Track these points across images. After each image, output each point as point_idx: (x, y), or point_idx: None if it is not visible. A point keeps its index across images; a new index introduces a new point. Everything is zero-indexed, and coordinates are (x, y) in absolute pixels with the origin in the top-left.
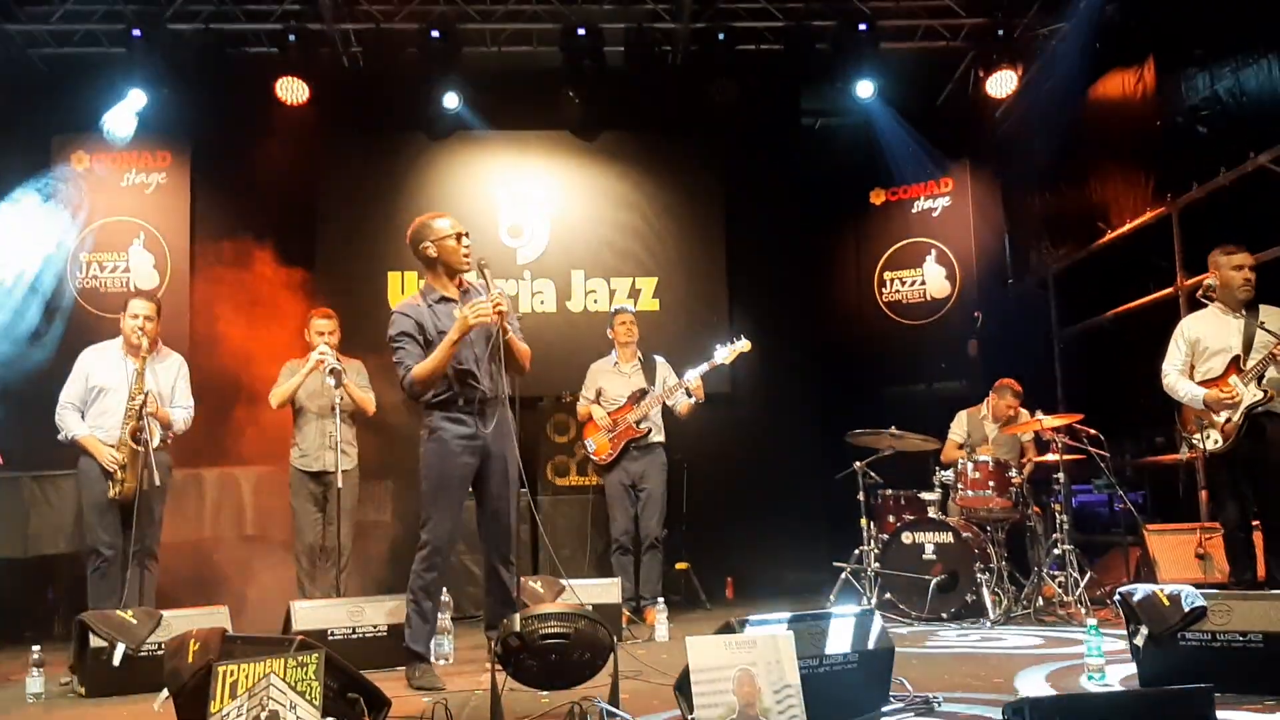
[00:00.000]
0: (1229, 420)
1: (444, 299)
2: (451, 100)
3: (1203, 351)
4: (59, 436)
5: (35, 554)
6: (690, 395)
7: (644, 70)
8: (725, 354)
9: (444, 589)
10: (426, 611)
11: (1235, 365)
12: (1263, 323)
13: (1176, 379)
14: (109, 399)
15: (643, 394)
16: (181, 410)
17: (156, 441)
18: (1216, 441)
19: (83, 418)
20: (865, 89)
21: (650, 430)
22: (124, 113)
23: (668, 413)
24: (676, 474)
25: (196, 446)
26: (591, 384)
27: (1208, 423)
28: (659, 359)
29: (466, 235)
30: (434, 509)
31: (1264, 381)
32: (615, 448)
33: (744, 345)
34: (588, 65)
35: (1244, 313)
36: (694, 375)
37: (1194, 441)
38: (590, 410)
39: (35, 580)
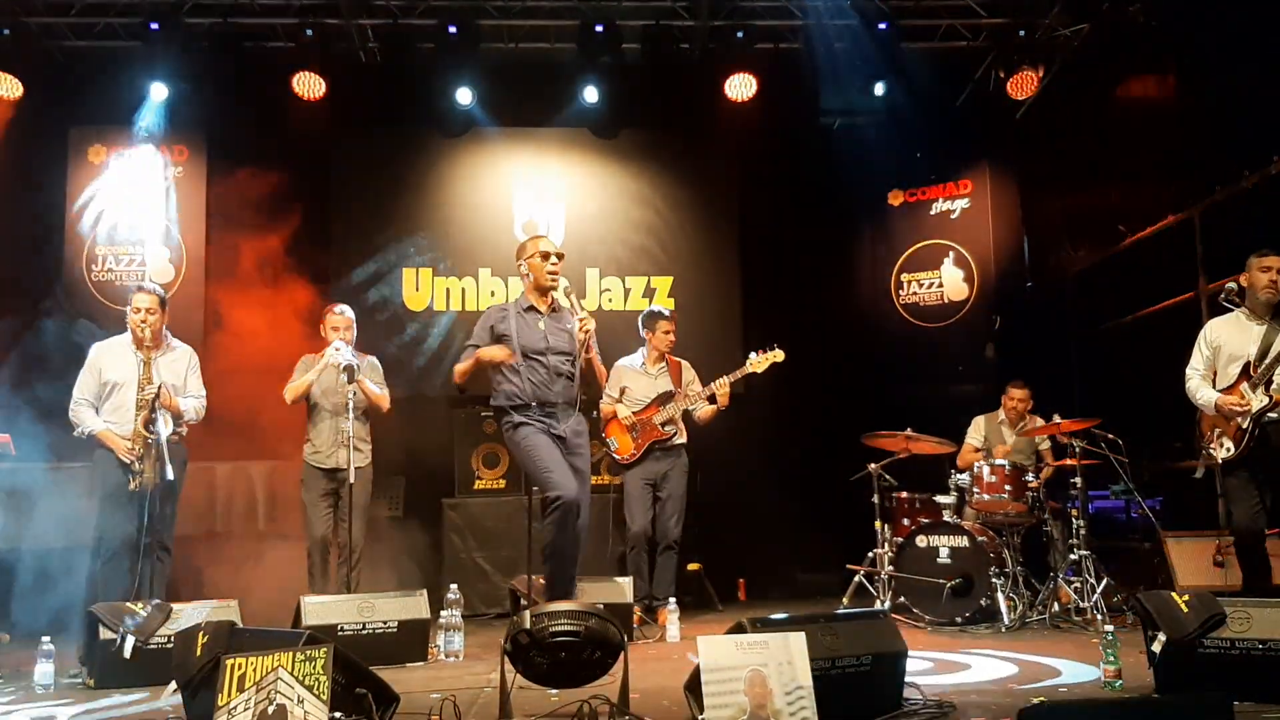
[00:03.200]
0: (1240, 429)
1: (531, 308)
2: (468, 96)
3: (1223, 357)
4: (75, 433)
5: (47, 545)
6: (714, 401)
7: (662, 67)
8: (757, 361)
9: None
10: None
11: (1246, 372)
12: None
13: (1197, 384)
14: (122, 393)
15: (668, 396)
16: (193, 400)
17: (169, 433)
18: (1229, 450)
19: (97, 412)
20: (873, 91)
21: (675, 433)
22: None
23: (688, 415)
24: (690, 474)
25: (210, 440)
26: (616, 382)
27: (1221, 430)
28: (684, 363)
29: (557, 255)
30: (547, 466)
31: (1272, 387)
32: (639, 449)
33: (777, 355)
34: (605, 62)
35: (1268, 320)
36: (724, 381)
37: (1209, 451)
38: (615, 409)
39: (46, 571)
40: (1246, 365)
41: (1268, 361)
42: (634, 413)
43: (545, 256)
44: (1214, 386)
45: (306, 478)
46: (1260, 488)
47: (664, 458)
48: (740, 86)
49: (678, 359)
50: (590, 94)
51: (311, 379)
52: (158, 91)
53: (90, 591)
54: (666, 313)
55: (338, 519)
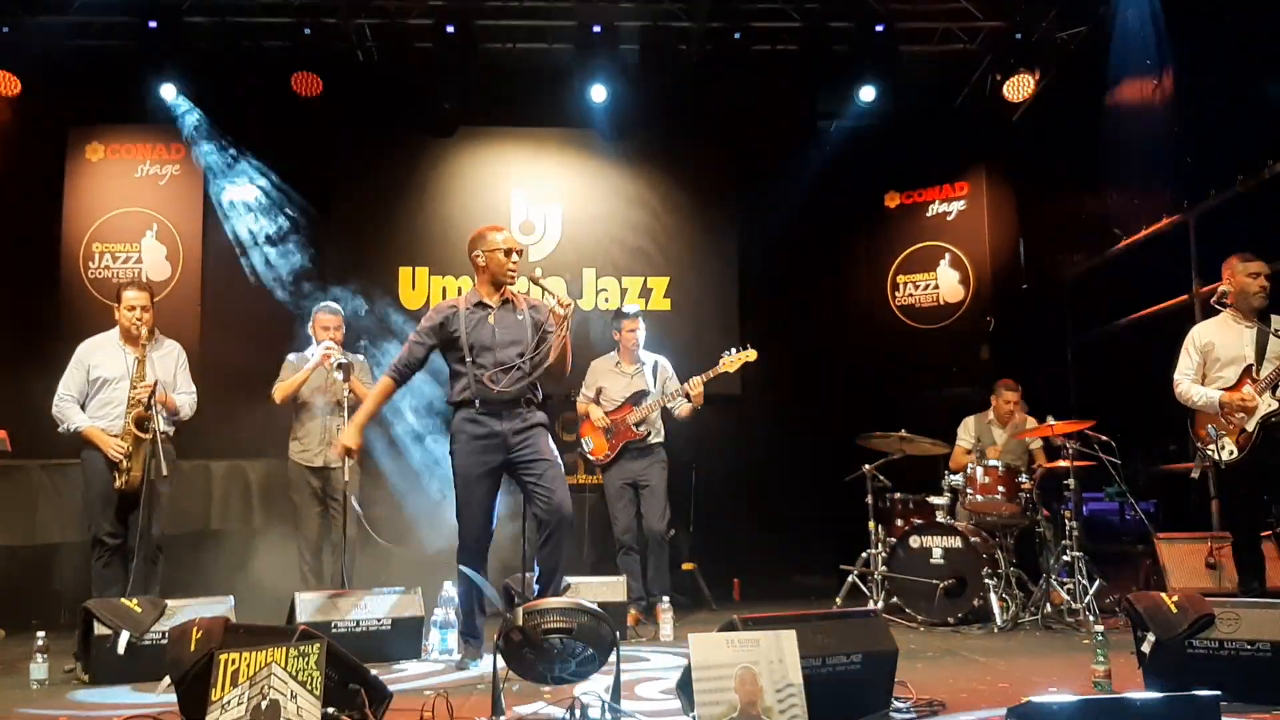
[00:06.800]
0: (1244, 431)
1: (481, 304)
2: (464, 96)
3: (1215, 360)
4: (60, 429)
5: (42, 542)
6: (690, 399)
7: (659, 69)
8: (729, 361)
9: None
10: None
11: (1249, 375)
12: (1276, 330)
13: (1189, 386)
14: (111, 390)
15: (641, 396)
16: (185, 397)
17: (162, 430)
18: (1231, 452)
19: (82, 409)
20: (868, 94)
21: (649, 434)
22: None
23: (668, 413)
24: (685, 475)
25: (205, 438)
26: (592, 382)
27: (1222, 432)
28: (661, 360)
29: (518, 252)
30: (460, 507)
31: (1278, 391)
32: (613, 449)
33: (749, 354)
34: (603, 63)
35: (1256, 322)
36: (696, 381)
37: (1208, 453)
38: (589, 409)
39: (42, 568)
40: (1247, 369)
41: (1274, 366)
42: (606, 413)
43: (508, 253)
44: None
45: (294, 477)
46: (1260, 490)
47: (640, 457)
48: (738, 88)
49: (656, 357)
50: (588, 95)
51: (302, 378)
52: (172, 97)
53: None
54: (631, 311)
55: (329, 517)
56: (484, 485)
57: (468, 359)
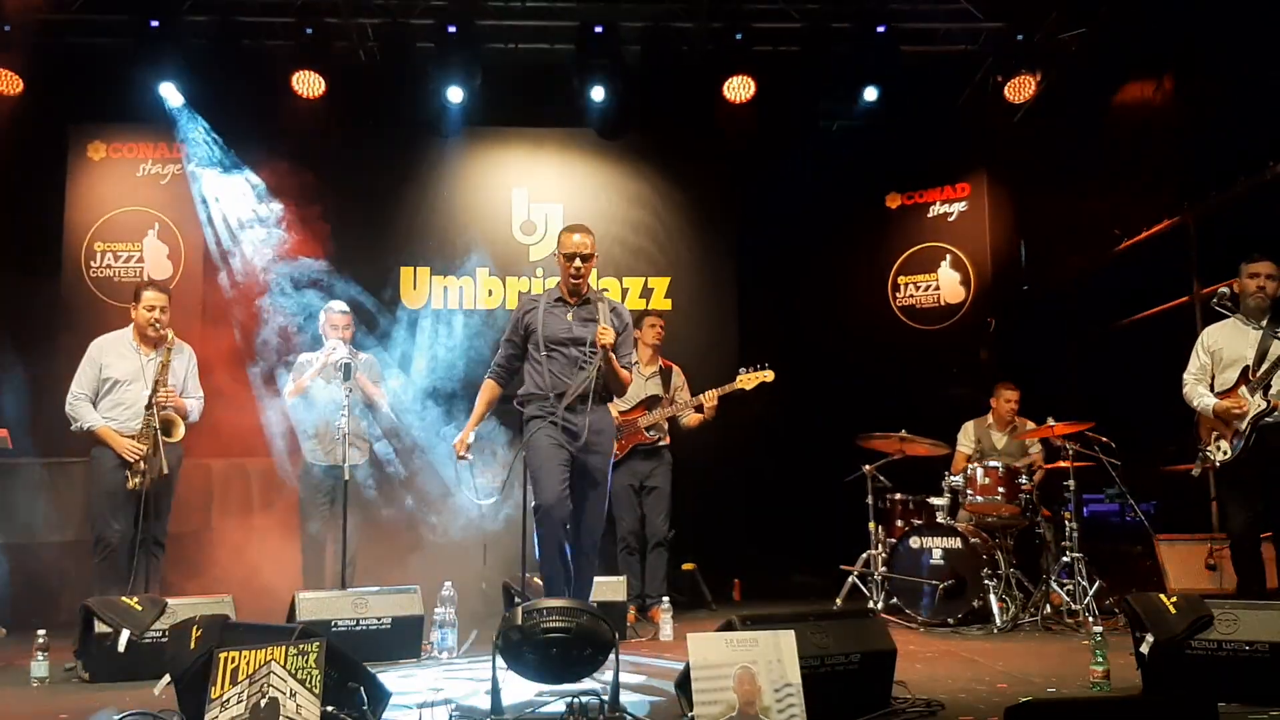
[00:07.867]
0: (1236, 432)
1: (559, 300)
2: (466, 96)
3: (1220, 362)
4: (73, 427)
5: (43, 540)
6: (701, 410)
7: (660, 69)
8: (745, 378)
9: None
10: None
11: (1245, 376)
12: (1278, 333)
13: (1192, 388)
14: (124, 391)
15: (655, 401)
16: (195, 401)
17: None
18: (1225, 453)
19: (94, 408)
20: (869, 95)
21: (658, 439)
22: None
23: (674, 420)
24: (684, 474)
25: (205, 436)
26: None
27: (1219, 433)
28: (675, 368)
29: (582, 258)
30: (535, 473)
31: (1270, 392)
32: (622, 450)
33: (767, 374)
34: (604, 63)
35: (1264, 324)
36: (711, 394)
37: (1206, 454)
38: None
39: (42, 566)
40: (1245, 369)
41: (1266, 366)
42: (620, 413)
43: (570, 259)
44: (1212, 391)
45: (304, 475)
46: (1256, 492)
47: (647, 459)
48: (739, 88)
49: (670, 362)
50: (589, 95)
51: (308, 378)
52: (172, 96)
53: (88, 586)
54: (655, 313)
55: (334, 516)
56: (559, 454)
57: (542, 353)
